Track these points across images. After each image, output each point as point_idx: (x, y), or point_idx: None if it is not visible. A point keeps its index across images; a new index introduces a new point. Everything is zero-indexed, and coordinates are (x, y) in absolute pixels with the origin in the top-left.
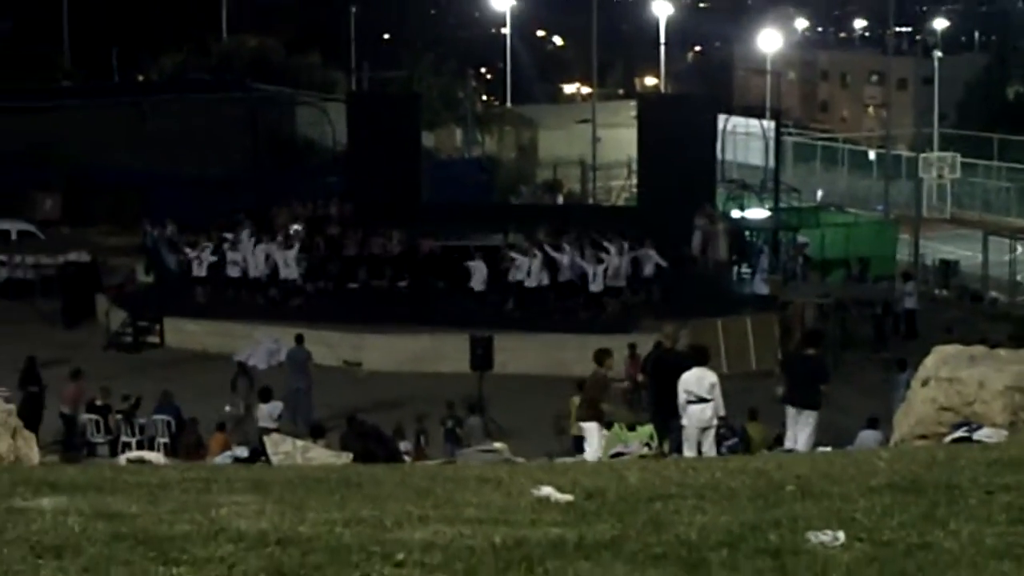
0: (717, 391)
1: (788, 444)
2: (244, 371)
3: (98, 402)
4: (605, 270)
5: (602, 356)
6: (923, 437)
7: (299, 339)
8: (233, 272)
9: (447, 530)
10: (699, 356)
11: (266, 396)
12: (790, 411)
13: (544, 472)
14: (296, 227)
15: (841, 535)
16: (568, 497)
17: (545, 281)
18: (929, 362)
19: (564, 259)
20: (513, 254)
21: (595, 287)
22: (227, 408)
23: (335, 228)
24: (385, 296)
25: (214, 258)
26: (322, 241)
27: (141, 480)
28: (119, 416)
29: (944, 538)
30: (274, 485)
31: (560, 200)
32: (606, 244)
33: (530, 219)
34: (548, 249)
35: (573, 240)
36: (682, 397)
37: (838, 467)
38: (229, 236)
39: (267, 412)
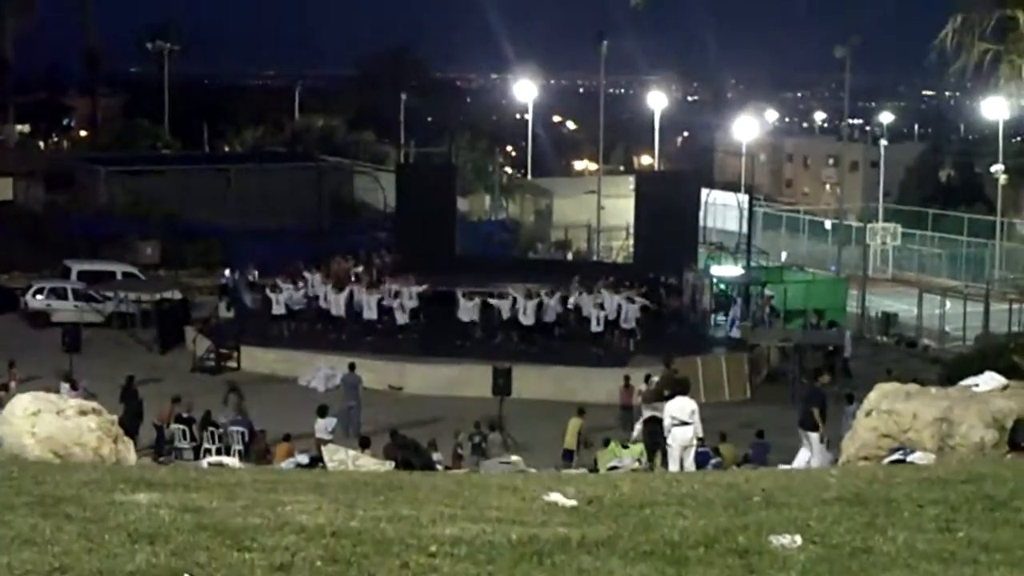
0: (697, 416)
1: (796, 462)
2: (234, 389)
3: (184, 414)
4: (607, 314)
5: (669, 359)
6: (865, 459)
7: (351, 366)
8: (298, 308)
9: (472, 527)
10: (682, 387)
11: (323, 412)
12: (800, 434)
13: (553, 481)
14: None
15: (798, 539)
16: (572, 502)
17: (534, 320)
18: (872, 396)
19: (552, 302)
20: (514, 295)
21: (597, 328)
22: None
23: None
24: (423, 332)
25: (298, 295)
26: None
27: (220, 480)
28: (201, 426)
29: (883, 543)
30: (330, 487)
31: (570, 256)
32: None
33: (545, 271)
34: (544, 295)
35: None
36: (667, 421)
37: (797, 482)
38: (307, 277)
39: (323, 426)
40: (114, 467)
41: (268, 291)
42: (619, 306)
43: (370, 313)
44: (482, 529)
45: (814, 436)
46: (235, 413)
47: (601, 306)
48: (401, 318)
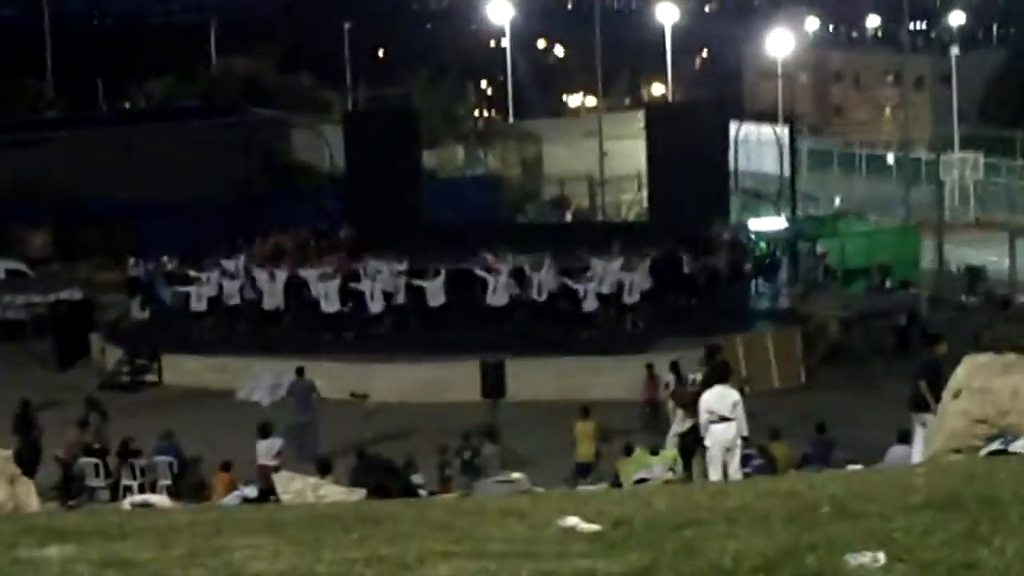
0: (740, 410)
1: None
2: (94, 406)
3: (95, 444)
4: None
5: (715, 347)
6: (957, 451)
7: (300, 371)
8: (232, 303)
9: (471, 566)
10: (721, 373)
11: (265, 432)
12: (912, 418)
13: (567, 501)
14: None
15: (881, 556)
16: (595, 527)
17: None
18: (960, 372)
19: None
20: (480, 272)
21: (588, 306)
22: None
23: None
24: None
25: (231, 286)
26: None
27: (149, 525)
28: (117, 459)
29: (989, 556)
30: (287, 525)
31: (568, 217)
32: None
33: (537, 238)
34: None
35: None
36: (704, 417)
37: (873, 485)
38: (229, 265)
39: (267, 448)
40: (13, 516)
41: (182, 283)
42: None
43: (329, 304)
44: (484, 568)
45: (920, 419)
46: (94, 439)
47: (590, 278)
48: (375, 306)
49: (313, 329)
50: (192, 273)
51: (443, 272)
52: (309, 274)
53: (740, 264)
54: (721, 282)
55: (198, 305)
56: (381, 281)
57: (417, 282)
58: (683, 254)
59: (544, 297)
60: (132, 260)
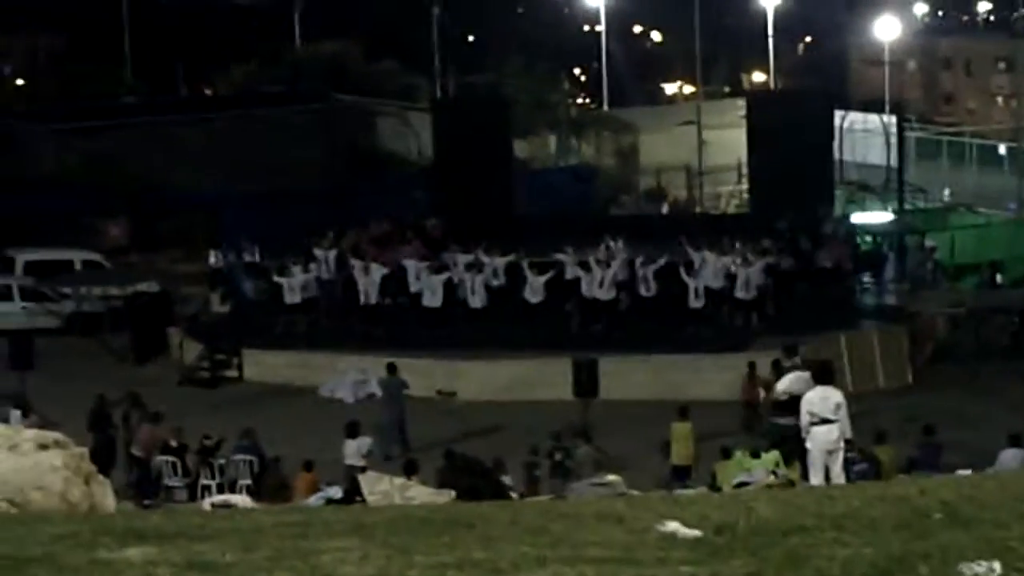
0: (843, 411)
1: None
2: (136, 402)
3: (173, 443)
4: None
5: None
6: None
7: (391, 368)
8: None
9: (568, 571)
10: (823, 373)
11: (353, 431)
12: None
13: (667, 505)
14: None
15: (997, 566)
16: (696, 532)
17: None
18: None
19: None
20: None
21: (696, 302)
22: None
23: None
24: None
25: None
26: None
27: (232, 526)
28: (197, 457)
29: None
30: (376, 527)
31: (665, 209)
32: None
33: (633, 230)
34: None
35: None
36: (805, 419)
37: (987, 491)
38: (321, 256)
39: (355, 448)
40: (91, 516)
41: (277, 275)
42: (731, 272)
43: (433, 299)
44: (581, 573)
45: None
46: (171, 435)
47: (695, 271)
48: (476, 301)
49: (408, 324)
50: (287, 265)
51: (549, 272)
52: (409, 265)
53: (845, 259)
54: (826, 278)
55: (291, 298)
56: (485, 274)
57: (526, 274)
58: (804, 247)
59: (652, 292)
60: (213, 252)
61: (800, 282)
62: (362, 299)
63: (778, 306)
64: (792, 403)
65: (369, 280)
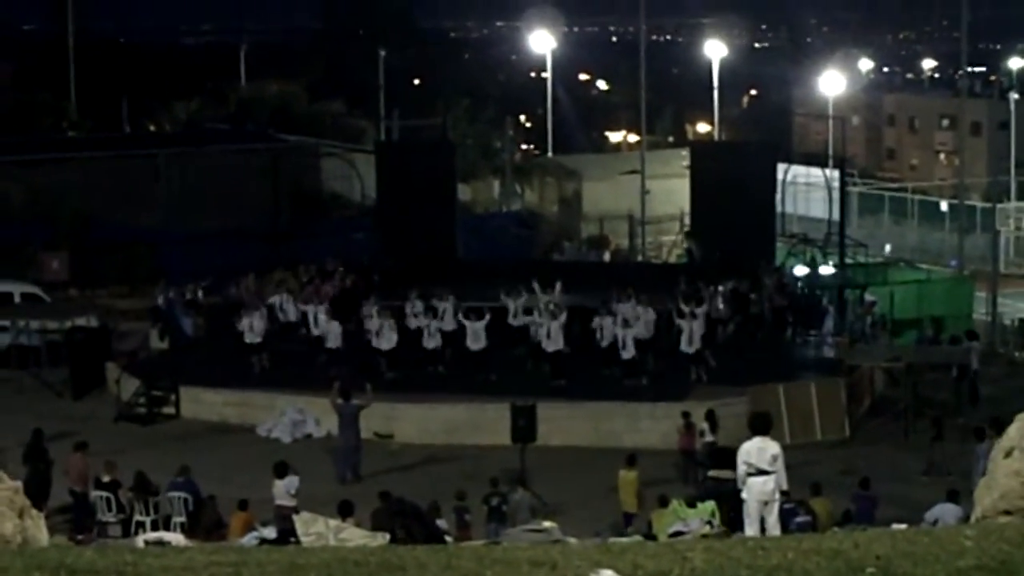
0: (780, 463)
1: None
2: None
3: (105, 478)
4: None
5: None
6: (1008, 513)
7: (346, 394)
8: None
9: None
10: (760, 424)
11: (282, 472)
12: None
13: (601, 553)
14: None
15: None
16: None
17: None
18: (1013, 431)
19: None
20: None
21: (626, 354)
22: None
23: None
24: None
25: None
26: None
27: (165, 564)
28: (131, 494)
29: None
30: (309, 570)
31: (607, 257)
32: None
33: (574, 277)
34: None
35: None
36: (741, 469)
37: (921, 546)
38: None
39: (283, 488)
40: (22, 550)
41: (240, 314)
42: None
43: (387, 342)
44: None
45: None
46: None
47: (626, 323)
48: (430, 342)
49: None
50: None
51: (487, 316)
52: (365, 311)
53: (784, 311)
54: (764, 329)
55: (251, 337)
56: (441, 317)
57: (464, 322)
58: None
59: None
60: (163, 292)
61: (739, 330)
62: (331, 343)
63: (720, 357)
64: (729, 456)
65: (329, 326)
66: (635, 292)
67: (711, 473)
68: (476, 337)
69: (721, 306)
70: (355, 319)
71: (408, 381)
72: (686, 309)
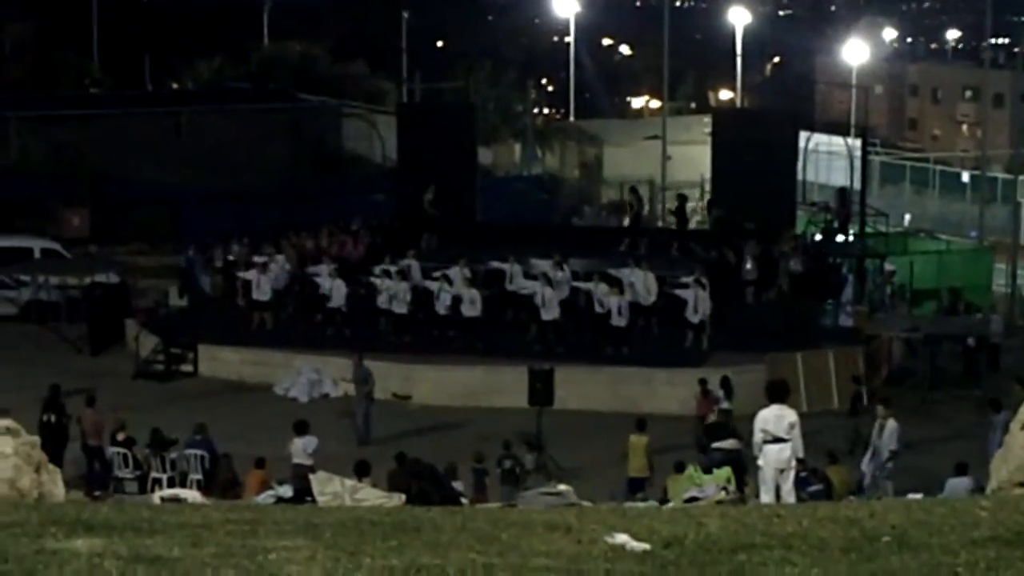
0: (796, 431)
1: None
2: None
3: (120, 436)
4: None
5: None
6: (1022, 485)
7: (360, 358)
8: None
9: None
10: (778, 392)
11: (301, 430)
12: None
13: (617, 517)
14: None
15: None
16: (645, 546)
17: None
18: None
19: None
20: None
21: (618, 320)
22: None
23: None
24: (436, 324)
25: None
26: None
27: (181, 521)
28: (147, 450)
29: None
30: (325, 528)
31: (627, 222)
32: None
33: (594, 242)
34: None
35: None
36: (758, 436)
37: (936, 517)
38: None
39: (301, 447)
40: (39, 505)
41: (244, 270)
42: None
43: (400, 305)
44: None
45: None
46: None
47: (621, 290)
48: (441, 307)
49: (371, 327)
50: (257, 259)
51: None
52: (376, 272)
53: (804, 278)
54: (784, 297)
55: (259, 294)
56: (454, 283)
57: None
58: (741, 259)
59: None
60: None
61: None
62: (334, 302)
63: (733, 324)
64: (724, 427)
65: (334, 285)
66: (637, 258)
67: (715, 445)
68: (472, 303)
69: (748, 266)
70: (366, 280)
71: (423, 343)
72: (689, 279)
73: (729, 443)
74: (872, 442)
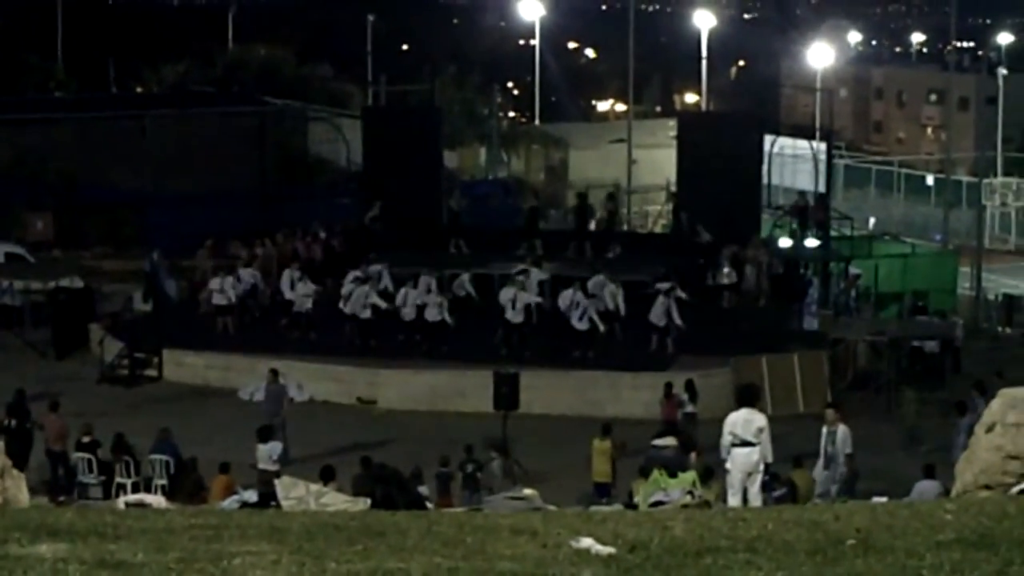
0: (765, 435)
1: None
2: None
3: (85, 439)
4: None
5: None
6: (988, 487)
7: (274, 373)
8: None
9: None
10: (747, 396)
11: (266, 436)
12: None
13: (582, 521)
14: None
15: None
16: (609, 549)
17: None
18: (995, 406)
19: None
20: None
21: (580, 324)
22: None
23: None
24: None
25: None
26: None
27: (145, 526)
28: (111, 455)
29: None
30: (289, 533)
31: (592, 226)
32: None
33: (558, 245)
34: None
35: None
36: (726, 439)
37: (901, 519)
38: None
39: (266, 453)
40: (3, 510)
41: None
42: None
43: (365, 311)
44: None
45: None
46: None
47: (587, 295)
48: (408, 313)
49: (335, 331)
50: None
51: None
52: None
53: (767, 283)
54: (748, 300)
55: (219, 299)
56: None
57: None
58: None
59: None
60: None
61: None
62: (297, 307)
63: (700, 328)
64: (673, 428)
65: (298, 289)
66: (601, 265)
67: (654, 442)
68: (439, 309)
69: (726, 269)
70: (333, 284)
71: (389, 348)
72: (663, 286)
73: (666, 440)
74: (823, 449)
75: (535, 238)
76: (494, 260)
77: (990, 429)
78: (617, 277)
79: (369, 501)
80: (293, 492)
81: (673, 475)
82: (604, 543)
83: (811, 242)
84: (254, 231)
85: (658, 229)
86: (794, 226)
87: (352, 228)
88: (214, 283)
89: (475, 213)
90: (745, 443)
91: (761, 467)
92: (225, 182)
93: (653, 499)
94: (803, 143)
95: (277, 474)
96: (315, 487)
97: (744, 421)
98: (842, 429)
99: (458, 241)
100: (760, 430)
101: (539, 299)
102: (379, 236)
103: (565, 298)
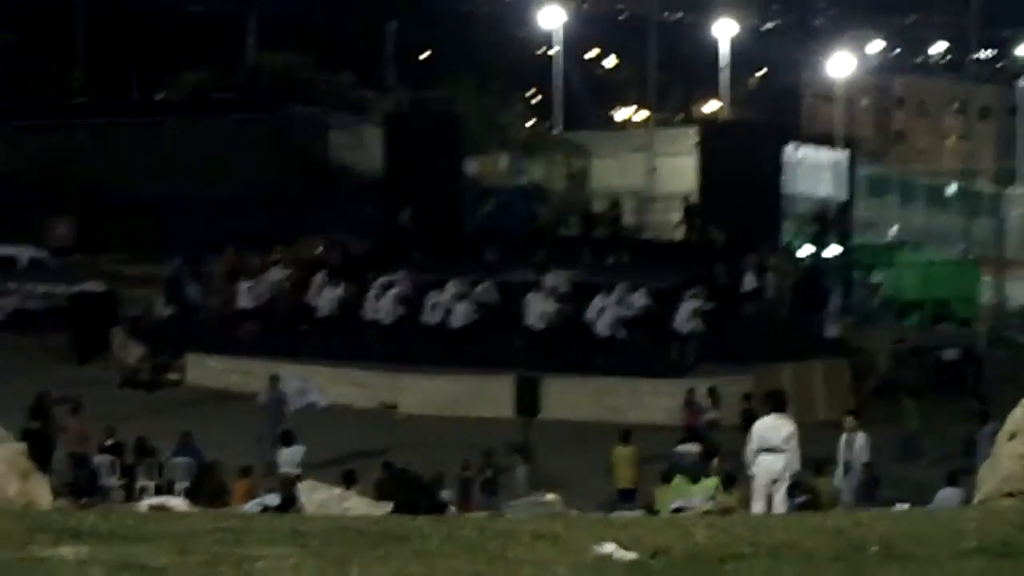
0: (794, 443)
1: None
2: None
3: (107, 442)
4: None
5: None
6: (1010, 495)
7: (273, 379)
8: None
9: None
10: (776, 402)
11: (288, 440)
12: None
13: (604, 527)
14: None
15: None
16: (632, 555)
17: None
18: (1018, 414)
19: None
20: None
21: (604, 331)
22: None
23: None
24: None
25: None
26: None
27: (168, 529)
28: (135, 458)
29: None
30: (312, 537)
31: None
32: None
33: (579, 252)
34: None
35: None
36: (753, 445)
37: (923, 527)
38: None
39: (289, 456)
40: (26, 512)
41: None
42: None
43: (386, 315)
44: None
45: None
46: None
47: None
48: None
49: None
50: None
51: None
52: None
53: (788, 291)
54: (770, 308)
55: (244, 302)
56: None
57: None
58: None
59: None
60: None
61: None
62: (323, 311)
63: (722, 336)
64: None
65: (322, 294)
66: (627, 274)
67: (678, 448)
68: (458, 316)
69: (749, 278)
70: (356, 290)
71: (410, 353)
72: (687, 293)
73: (689, 446)
74: (840, 456)
75: (586, 246)
76: (516, 267)
77: (1013, 437)
78: (639, 284)
79: (391, 505)
80: (315, 496)
81: (695, 481)
82: (626, 549)
83: (833, 250)
84: (274, 237)
85: (679, 237)
86: (816, 234)
87: (383, 231)
88: (241, 287)
89: (496, 220)
90: (772, 449)
91: (787, 475)
92: (246, 188)
93: (675, 505)
94: (824, 152)
95: (299, 478)
96: (337, 491)
97: (773, 428)
98: (861, 436)
99: (491, 248)
100: (789, 436)
101: (560, 305)
102: (416, 236)
103: (593, 308)
